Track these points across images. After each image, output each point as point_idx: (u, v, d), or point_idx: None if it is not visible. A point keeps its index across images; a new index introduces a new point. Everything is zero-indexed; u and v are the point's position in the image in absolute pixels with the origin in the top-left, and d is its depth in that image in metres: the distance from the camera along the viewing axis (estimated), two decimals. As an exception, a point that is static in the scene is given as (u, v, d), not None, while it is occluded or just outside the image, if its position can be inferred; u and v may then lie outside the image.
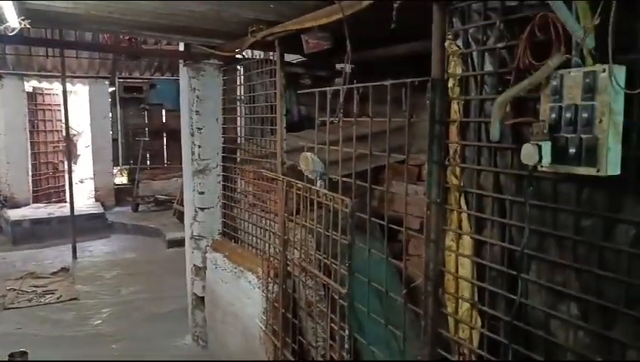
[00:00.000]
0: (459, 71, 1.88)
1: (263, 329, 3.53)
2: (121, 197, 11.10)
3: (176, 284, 5.91)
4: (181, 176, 10.25)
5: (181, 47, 4.65)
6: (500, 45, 1.72)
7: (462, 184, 1.90)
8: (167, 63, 11.23)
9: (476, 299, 1.87)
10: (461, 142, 1.90)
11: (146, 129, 11.74)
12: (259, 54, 4.20)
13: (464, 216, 1.89)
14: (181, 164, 11.63)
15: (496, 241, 1.78)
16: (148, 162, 11.72)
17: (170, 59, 10.18)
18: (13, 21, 2.78)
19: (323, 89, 2.89)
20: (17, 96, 9.92)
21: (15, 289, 6.15)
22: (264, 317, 3.53)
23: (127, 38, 7.47)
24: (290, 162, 3.50)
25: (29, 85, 10.28)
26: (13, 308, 5.68)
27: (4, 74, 9.69)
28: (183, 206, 9.38)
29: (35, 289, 6.19)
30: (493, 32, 1.75)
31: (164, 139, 12.10)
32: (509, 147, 1.70)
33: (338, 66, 4.82)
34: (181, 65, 4.68)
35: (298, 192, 3.16)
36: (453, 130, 1.91)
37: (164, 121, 11.97)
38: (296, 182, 3.11)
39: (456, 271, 1.94)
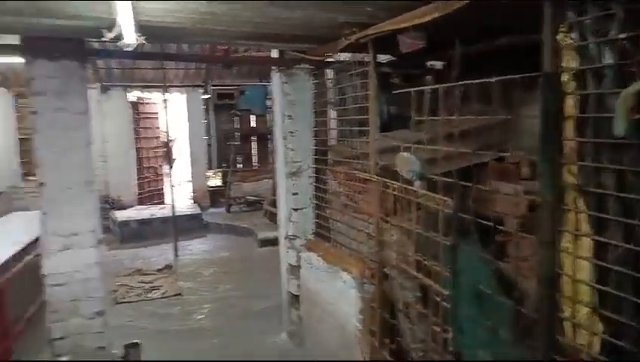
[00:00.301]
0: (574, 64, 1.79)
1: (360, 329, 3.56)
2: (215, 199, 11.66)
3: (269, 282, 6.11)
4: (269, 178, 10.62)
5: (274, 54, 4.80)
6: (622, 36, 1.62)
7: (579, 183, 1.81)
8: (255, 70, 11.65)
9: (597, 303, 1.77)
10: (581, 138, 1.80)
11: (237, 133, 12.23)
12: (347, 57, 4.26)
13: (582, 216, 1.79)
14: (269, 166, 11.99)
15: (621, 243, 1.68)
16: (239, 165, 12.19)
17: (260, 66, 10.53)
18: (130, 37, 3.00)
19: (420, 88, 2.87)
20: (122, 106, 10.77)
21: (125, 285, 6.66)
22: (361, 317, 3.56)
23: (223, 47, 7.84)
24: (383, 162, 3.50)
25: (132, 95, 11.10)
26: (124, 303, 6.14)
27: (110, 86, 10.53)
28: (272, 206, 9.71)
29: (142, 285, 6.67)
30: (613, 23, 1.66)
31: (254, 143, 12.53)
32: (636, 143, 1.60)
33: (429, 64, 4.78)
34: (274, 72, 4.84)
35: (394, 193, 3.16)
36: (569, 126, 1.82)
37: (252, 125, 12.39)
38: (393, 182, 3.12)
39: (573, 273, 1.85)
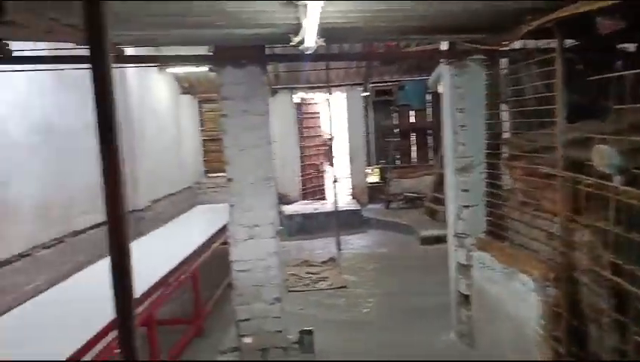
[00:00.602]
0: None
1: (541, 333, 3.33)
2: (373, 195, 11.81)
3: (433, 280, 6.03)
4: (429, 174, 10.45)
5: (443, 46, 4.70)
6: None
7: None
8: (413, 64, 11.53)
9: None
10: None
11: (395, 129, 12.24)
12: (520, 45, 3.99)
13: None
14: (429, 162, 11.76)
15: None
16: (398, 161, 12.19)
17: (427, 60, 10.37)
18: (310, 41, 3.18)
19: (621, 73, 2.58)
20: (288, 107, 11.50)
21: (295, 275, 7.09)
22: (542, 322, 3.33)
23: (387, 44, 7.91)
24: (572, 155, 3.21)
25: (297, 97, 11.77)
26: (294, 291, 6.53)
27: (278, 88, 11.29)
28: (434, 203, 9.54)
29: (310, 275, 7.04)
30: None
31: (413, 138, 12.43)
32: None
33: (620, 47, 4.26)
34: (443, 64, 4.74)
35: (587, 189, 2.89)
36: None
37: (411, 120, 12.30)
38: (586, 178, 2.84)
39: None
